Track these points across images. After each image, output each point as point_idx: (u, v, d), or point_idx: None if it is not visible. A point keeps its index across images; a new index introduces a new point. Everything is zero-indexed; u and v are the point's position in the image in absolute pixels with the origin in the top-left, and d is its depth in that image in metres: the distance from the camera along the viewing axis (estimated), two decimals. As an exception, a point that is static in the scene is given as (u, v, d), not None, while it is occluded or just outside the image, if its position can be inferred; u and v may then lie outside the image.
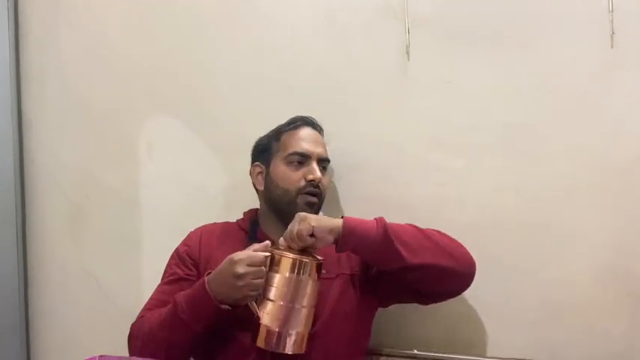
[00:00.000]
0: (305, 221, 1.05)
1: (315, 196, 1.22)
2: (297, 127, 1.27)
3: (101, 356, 0.94)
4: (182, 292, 1.11)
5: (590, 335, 1.28)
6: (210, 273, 1.08)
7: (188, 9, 1.58)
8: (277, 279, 1.05)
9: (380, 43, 1.40)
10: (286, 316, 1.04)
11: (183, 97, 1.59)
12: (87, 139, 1.71)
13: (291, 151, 1.23)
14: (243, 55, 1.52)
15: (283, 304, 1.04)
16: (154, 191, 1.62)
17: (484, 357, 1.32)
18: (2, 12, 1.70)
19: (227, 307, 1.06)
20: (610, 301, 1.26)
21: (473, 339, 1.35)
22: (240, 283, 1.01)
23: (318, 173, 1.22)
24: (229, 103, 1.54)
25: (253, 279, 1.02)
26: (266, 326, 1.04)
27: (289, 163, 1.23)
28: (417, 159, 1.38)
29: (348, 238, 1.07)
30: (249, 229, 1.27)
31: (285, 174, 1.22)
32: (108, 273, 1.68)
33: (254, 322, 1.05)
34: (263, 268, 1.03)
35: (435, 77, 1.36)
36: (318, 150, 1.25)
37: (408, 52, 1.38)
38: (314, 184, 1.21)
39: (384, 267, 1.15)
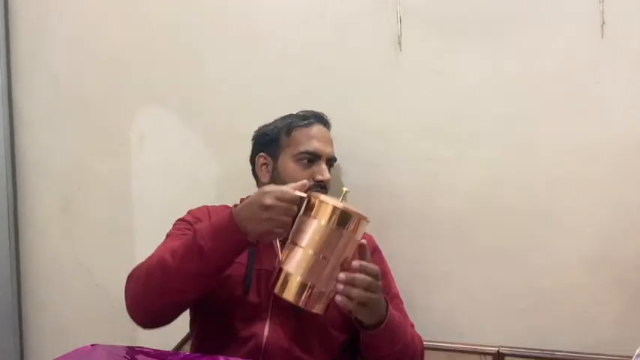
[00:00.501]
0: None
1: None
2: (309, 125, 1.24)
3: (93, 345, 0.94)
4: (202, 224, 1.04)
5: (578, 322, 1.30)
6: (236, 205, 1.01)
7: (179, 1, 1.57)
8: (311, 225, 0.93)
9: (371, 33, 1.40)
10: (312, 268, 0.92)
11: (174, 87, 1.58)
12: (78, 131, 1.70)
13: (302, 149, 1.20)
14: (234, 45, 1.52)
15: (312, 253, 0.93)
16: (146, 182, 1.62)
17: (474, 345, 1.33)
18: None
19: (251, 239, 0.97)
20: (598, 289, 1.28)
21: (463, 327, 1.36)
22: (266, 215, 0.93)
23: (327, 174, 1.20)
24: (220, 94, 1.54)
25: (280, 215, 0.93)
26: (288, 273, 0.93)
27: (299, 160, 1.20)
28: (407, 148, 1.39)
29: (385, 332, 1.02)
30: None
31: (294, 171, 1.19)
32: (100, 263, 1.68)
33: (279, 269, 0.95)
34: (294, 206, 0.94)
35: (427, 67, 1.37)
36: (328, 150, 1.23)
37: (399, 42, 1.38)
38: (322, 184, 1.19)
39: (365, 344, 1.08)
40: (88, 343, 0.98)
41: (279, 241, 0.98)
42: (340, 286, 0.93)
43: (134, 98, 1.63)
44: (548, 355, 1.28)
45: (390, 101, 1.40)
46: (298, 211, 0.96)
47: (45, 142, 1.74)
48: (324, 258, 0.93)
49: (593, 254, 1.28)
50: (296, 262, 0.93)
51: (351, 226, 0.93)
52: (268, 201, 0.93)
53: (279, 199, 0.93)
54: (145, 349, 0.95)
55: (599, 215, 1.27)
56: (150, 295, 1.02)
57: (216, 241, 0.97)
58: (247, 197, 1.23)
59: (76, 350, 0.92)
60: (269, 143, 1.25)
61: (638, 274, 1.25)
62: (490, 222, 1.34)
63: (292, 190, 0.95)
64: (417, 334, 1.15)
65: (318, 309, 0.95)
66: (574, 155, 1.28)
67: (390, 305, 1.03)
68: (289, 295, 0.93)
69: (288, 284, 0.93)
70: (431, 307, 1.36)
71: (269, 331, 1.10)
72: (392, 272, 1.24)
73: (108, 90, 1.66)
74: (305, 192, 0.96)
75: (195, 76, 1.56)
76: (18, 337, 1.75)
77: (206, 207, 1.27)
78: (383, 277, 1.16)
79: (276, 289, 0.95)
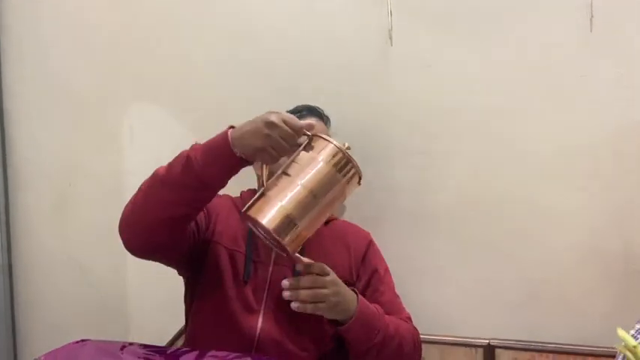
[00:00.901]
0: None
1: None
2: (300, 117, 1.21)
3: (83, 340, 0.94)
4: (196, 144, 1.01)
5: (569, 315, 1.30)
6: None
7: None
8: (309, 160, 0.90)
9: (362, 28, 1.40)
10: (299, 200, 0.87)
11: (164, 83, 1.58)
12: (69, 127, 1.69)
13: None
14: (224, 40, 1.52)
15: (300, 186, 0.88)
16: (138, 178, 1.58)
17: (465, 338, 1.34)
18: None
19: (243, 155, 0.93)
20: (589, 281, 1.29)
21: (454, 321, 1.37)
22: (267, 131, 0.89)
23: None
24: (210, 89, 1.53)
25: (281, 137, 0.90)
26: (270, 198, 0.88)
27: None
28: (399, 142, 1.39)
29: (357, 325, 1.03)
30: None
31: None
32: (92, 260, 1.67)
33: (261, 193, 0.91)
34: (296, 136, 0.91)
35: (417, 61, 1.37)
36: None
37: (390, 37, 1.38)
38: None
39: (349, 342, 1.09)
40: (84, 338, 0.98)
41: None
42: (287, 293, 0.94)
43: (125, 95, 1.62)
44: (539, 348, 1.29)
45: (381, 95, 1.40)
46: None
47: (36, 138, 1.73)
48: (315, 196, 0.88)
49: (583, 247, 1.29)
50: (282, 191, 0.88)
51: (348, 174, 0.90)
52: (274, 118, 0.90)
53: (285, 122, 0.91)
54: (134, 344, 0.96)
55: (588, 208, 1.28)
56: (139, 210, 1.01)
57: (205, 155, 0.95)
58: (247, 190, 1.25)
59: (66, 346, 0.92)
60: None
61: (626, 266, 1.26)
62: (482, 216, 1.34)
63: (304, 123, 0.93)
64: (409, 326, 1.14)
65: (290, 244, 0.89)
66: (563, 148, 1.29)
67: (361, 298, 1.04)
68: (264, 217, 0.87)
69: (268, 208, 0.87)
70: (423, 301, 1.36)
71: (262, 323, 1.11)
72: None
73: (99, 86, 1.65)
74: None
75: (185, 71, 1.56)
76: (11, 334, 1.75)
77: (226, 197, 1.24)
78: (375, 273, 1.18)
79: (252, 211, 0.89)
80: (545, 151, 1.30)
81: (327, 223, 1.24)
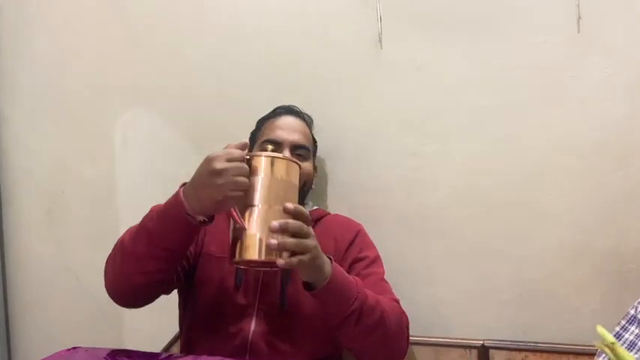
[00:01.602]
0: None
1: None
2: (275, 116, 1.27)
3: (74, 348, 0.94)
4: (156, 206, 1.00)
5: (561, 313, 1.31)
6: (185, 184, 0.95)
7: (157, 2, 1.57)
8: (255, 182, 0.89)
9: (353, 31, 1.41)
10: (264, 220, 0.88)
11: (157, 88, 1.59)
12: (61, 133, 1.70)
13: (264, 138, 1.23)
14: (216, 45, 1.52)
15: (257, 207, 0.88)
16: (130, 183, 1.62)
17: (459, 339, 1.35)
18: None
19: (202, 218, 0.92)
20: (580, 280, 1.30)
21: (448, 321, 1.38)
22: (221, 180, 0.85)
23: (286, 154, 1.19)
24: (203, 93, 1.54)
25: (235, 175, 0.86)
26: (254, 235, 0.87)
27: (262, 148, 1.21)
28: (391, 144, 1.40)
29: (330, 289, 0.96)
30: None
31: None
32: (86, 266, 1.67)
33: (236, 237, 0.89)
34: (245, 164, 0.88)
35: (407, 63, 1.38)
36: (291, 137, 1.23)
37: (380, 40, 1.39)
38: None
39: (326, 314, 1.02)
40: (76, 346, 0.98)
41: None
42: (273, 242, 0.86)
43: (117, 100, 1.63)
44: (532, 347, 1.30)
45: (372, 98, 1.41)
46: None
47: (28, 144, 1.73)
48: (273, 206, 0.89)
49: (574, 245, 1.30)
50: (253, 221, 0.88)
51: (283, 170, 0.91)
52: (219, 165, 0.86)
53: (229, 160, 0.87)
54: (126, 351, 0.96)
55: (579, 206, 1.29)
56: (118, 279, 1.02)
57: (161, 222, 0.94)
58: None
59: (57, 354, 0.92)
60: (250, 142, 1.27)
61: (618, 264, 1.27)
62: (473, 215, 1.35)
63: (235, 148, 0.89)
64: (394, 304, 1.08)
65: (280, 260, 0.89)
66: (553, 147, 1.30)
67: (336, 264, 0.98)
68: (255, 254, 0.88)
69: (250, 244, 0.88)
70: (415, 302, 1.37)
71: (255, 326, 1.11)
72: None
73: (91, 92, 1.65)
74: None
75: (178, 75, 1.56)
76: (5, 340, 1.74)
77: None
78: (361, 257, 1.18)
79: (237, 257, 0.89)
80: (536, 150, 1.31)
81: (318, 220, 1.26)
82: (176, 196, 0.93)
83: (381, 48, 1.39)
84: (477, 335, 1.34)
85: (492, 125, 1.33)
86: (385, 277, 1.18)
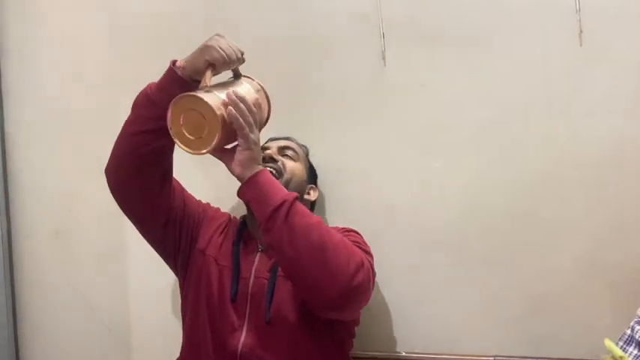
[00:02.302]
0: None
1: (270, 170, 1.18)
2: (267, 141, 1.34)
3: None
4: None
5: (573, 328, 1.30)
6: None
7: (164, 22, 1.59)
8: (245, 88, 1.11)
9: (356, 49, 1.42)
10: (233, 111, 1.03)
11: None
12: (68, 153, 1.70)
13: None
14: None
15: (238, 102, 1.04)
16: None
17: (469, 355, 1.33)
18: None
19: (183, 67, 1.08)
20: (592, 293, 1.29)
21: (457, 336, 1.36)
22: (214, 41, 1.07)
23: (268, 151, 1.27)
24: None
25: (227, 46, 1.08)
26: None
27: None
28: (396, 160, 1.40)
29: (252, 185, 1.04)
30: (238, 229, 1.28)
31: None
32: (94, 287, 1.67)
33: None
34: (237, 57, 1.10)
35: (411, 80, 1.39)
36: (277, 143, 1.31)
37: (383, 57, 1.40)
38: (265, 158, 1.23)
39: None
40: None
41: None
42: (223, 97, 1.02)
43: (122, 121, 1.63)
44: (545, 362, 1.28)
45: (377, 115, 1.42)
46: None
47: (37, 165, 1.74)
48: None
49: (586, 259, 1.29)
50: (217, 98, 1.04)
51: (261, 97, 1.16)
52: (221, 36, 1.09)
53: (228, 42, 1.09)
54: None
55: (590, 219, 1.28)
56: (114, 149, 1.20)
57: (157, 84, 1.12)
58: (245, 215, 1.30)
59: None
60: None
61: (630, 278, 1.26)
62: (482, 229, 1.35)
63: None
64: (348, 241, 1.07)
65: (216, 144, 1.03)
66: (560, 160, 1.29)
67: (265, 172, 1.06)
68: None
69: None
70: (425, 317, 1.36)
71: (244, 339, 1.13)
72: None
73: (97, 112, 1.66)
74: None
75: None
76: (14, 362, 1.74)
77: (226, 215, 1.34)
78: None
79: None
80: (543, 163, 1.31)
81: None
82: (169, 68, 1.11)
83: (385, 65, 1.40)
84: (488, 351, 1.32)
85: (497, 139, 1.34)
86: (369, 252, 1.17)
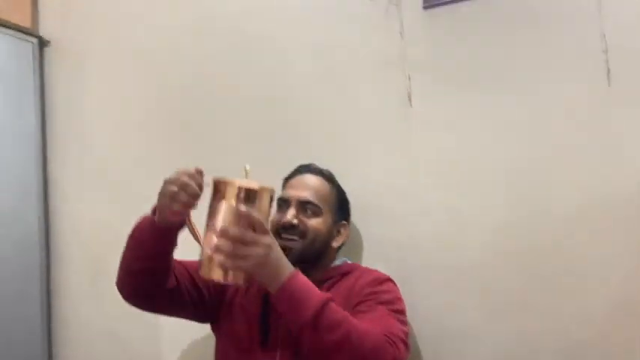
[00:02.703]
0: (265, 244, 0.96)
1: (293, 240, 1.22)
2: (293, 176, 1.33)
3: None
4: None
5: (608, 376, 1.24)
6: None
7: (195, 69, 1.67)
8: (221, 205, 0.96)
9: (382, 90, 1.45)
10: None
11: (194, 149, 1.65)
12: (107, 194, 1.77)
13: (278, 197, 1.29)
14: (251, 106, 1.59)
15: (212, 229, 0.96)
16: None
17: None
18: (29, 79, 1.81)
19: (162, 220, 1.06)
20: (627, 339, 1.23)
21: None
22: (170, 186, 1.02)
23: (289, 216, 1.24)
24: (239, 153, 1.59)
25: (182, 180, 1.01)
26: (208, 255, 0.95)
27: (276, 208, 1.27)
28: (423, 200, 1.40)
29: (284, 294, 0.98)
30: None
31: (271, 216, 1.24)
32: (127, 327, 1.70)
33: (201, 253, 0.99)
34: (195, 175, 1.03)
35: (437, 120, 1.40)
36: (300, 194, 1.26)
37: (409, 98, 1.42)
38: (285, 226, 1.23)
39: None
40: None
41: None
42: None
43: (158, 164, 1.69)
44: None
45: (404, 154, 1.43)
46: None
47: (76, 207, 1.81)
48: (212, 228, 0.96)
49: (623, 304, 1.24)
50: (208, 242, 0.96)
51: (225, 194, 0.97)
52: (172, 175, 1.04)
53: (181, 173, 1.03)
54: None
55: (625, 261, 1.24)
56: (120, 265, 1.21)
57: (138, 229, 1.13)
58: None
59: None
60: None
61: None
62: (512, 271, 1.32)
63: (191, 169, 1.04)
64: (376, 335, 1.01)
65: (240, 280, 0.97)
66: (591, 200, 1.27)
67: (299, 274, 1.01)
68: (215, 275, 0.95)
69: (211, 265, 0.95)
70: (452, 362, 1.33)
71: None
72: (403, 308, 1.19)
73: (135, 157, 1.74)
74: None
75: (213, 138, 1.63)
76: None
77: None
78: (374, 295, 1.15)
79: (203, 273, 0.97)
80: (574, 203, 1.28)
81: (346, 274, 1.26)
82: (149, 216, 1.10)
83: (411, 106, 1.42)
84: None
85: (526, 179, 1.32)
86: (400, 318, 1.13)
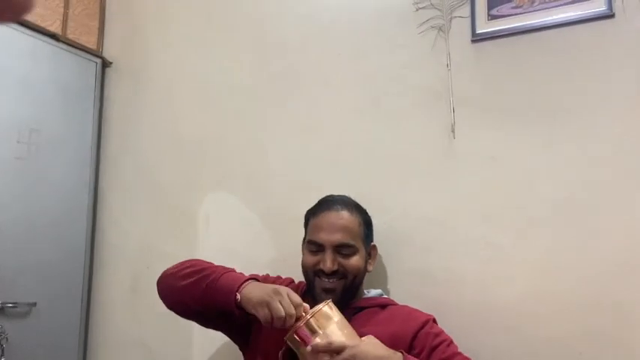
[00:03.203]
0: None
1: (334, 282, 1.24)
2: (318, 213, 1.31)
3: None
4: (233, 272, 1.22)
5: None
6: (257, 280, 1.19)
7: (247, 96, 1.72)
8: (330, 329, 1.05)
9: (425, 122, 1.46)
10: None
11: (239, 174, 1.69)
12: (152, 213, 1.83)
13: (308, 238, 1.29)
14: (295, 134, 1.62)
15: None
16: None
17: None
18: (90, 97, 1.91)
19: (238, 298, 1.11)
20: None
21: None
22: (272, 294, 1.07)
23: (328, 264, 1.23)
24: (280, 179, 1.62)
25: (280, 302, 1.06)
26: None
27: (308, 249, 1.29)
28: (463, 234, 1.38)
29: None
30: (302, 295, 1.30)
31: (305, 258, 1.29)
32: (161, 344, 1.72)
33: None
34: (292, 306, 1.07)
35: (481, 154, 1.39)
36: (333, 238, 1.25)
37: (453, 130, 1.42)
38: (323, 272, 1.24)
39: None
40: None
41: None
42: None
43: (203, 184, 1.74)
44: None
45: (445, 187, 1.42)
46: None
47: (121, 222, 1.87)
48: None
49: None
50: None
51: (300, 346, 1.05)
52: (281, 289, 1.09)
53: (289, 295, 1.08)
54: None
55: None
56: (168, 293, 1.30)
57: (212, 292, 1.15)
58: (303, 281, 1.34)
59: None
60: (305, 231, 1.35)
61: None
62: (551, 313, 1.27)
63: (300, 300, 1.09)
64: None
65: None
66: (639, 243, 1.21)
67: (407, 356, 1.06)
68: None
69: None
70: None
71: None
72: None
73: (182, 176, 1.79)
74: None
75: (259, 162, 1.66)
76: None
77: (276, 277, 1.39)
78: (442, 343, 1.17)
79: None
80: (621, 247, 1.23)
81: (385, 306, 1.25)
82: (242, 279, 1.16)
83: (454, 138, 1.41)
84: None
85: (571, 218, 1.28)
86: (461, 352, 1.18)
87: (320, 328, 1.05)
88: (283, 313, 1.05)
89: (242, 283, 1.13)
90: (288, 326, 1.06)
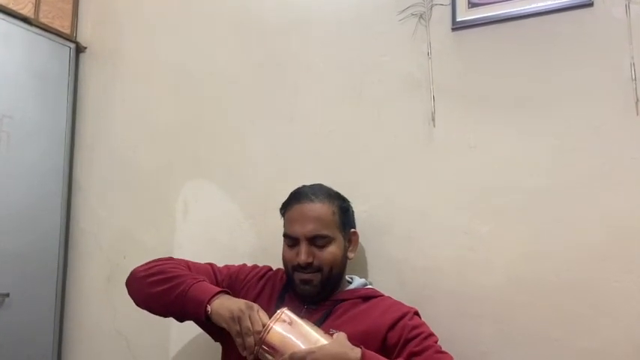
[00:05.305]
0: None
1: (311, 274, 1.23)
2: (290, 206, 1.30)
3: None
4: (204, 282, 1.21)
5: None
6: (228, 293, 1.18)
7: (226, 82, 1.69)
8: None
9: (406, 112, 1.45)
10: None
11: (218, 162, 1.67)
12: (128, 202, 1.79)
13: (284, 232, 1.30)
14: (274, 124, 1.60)
15: None
16: (187, 251, 1.66)
17: None
18: (64, 82, 1.86)
19: (209, 310, 1.12)
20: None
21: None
22: (243, 308, 1.09)
23: (302, 257, 1.23)
24: (259, 168, 1.60)
25: (250, 316, 1.07)
26: None
27: (286, 242, 1.29)
28: (443, 223, 1.38)
29: None
30: (282, 289, 1.31)
31: (284, 251, 1.29)
32: (137, 333, 1.70)
33: None
34: (260, 322, 1.07)
35: (461, 142, 1.39)
36: (306, 229, 1.24)
37: (433, 119, 1.41)
38: (302, 265, 1.23)
39: None
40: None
41: None
42: None
43: (181, 172, 1.72)
44: None
45: (425, 176, 1.42)
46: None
47: (98, 212, 1.84)
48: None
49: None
50: None
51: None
52: (253, 305, 1.10)
53: (250, 317, 1.08)
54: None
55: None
56: (141, 293, 1.30)
57: (184, 301, 1.16)
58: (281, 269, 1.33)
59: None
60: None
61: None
62: (530, 300, 1.28)
63: (263, 322, 1.08)
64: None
65: None
66: (616, 231, 1.23)
67: (366, 352, 1.05)
68: None
69: None
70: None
71: None
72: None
73: (158, 164, 1.76)
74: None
75: (238, 151, 1.64)
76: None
77: (260, 270, 1.38)
78: (417, 336, 1.16)
79: None
80: (596, 233, 1.25)
81: (368, 298, 1.24)
82: (212, 292, 1.16)
83: (434, 126, 1.41)
84: None
85: (549, 206, 1.29)
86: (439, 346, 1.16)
87: (277, 347, 1.05)
88: (253, 342, 1.06)
89: (212, 297, 1.14)
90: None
